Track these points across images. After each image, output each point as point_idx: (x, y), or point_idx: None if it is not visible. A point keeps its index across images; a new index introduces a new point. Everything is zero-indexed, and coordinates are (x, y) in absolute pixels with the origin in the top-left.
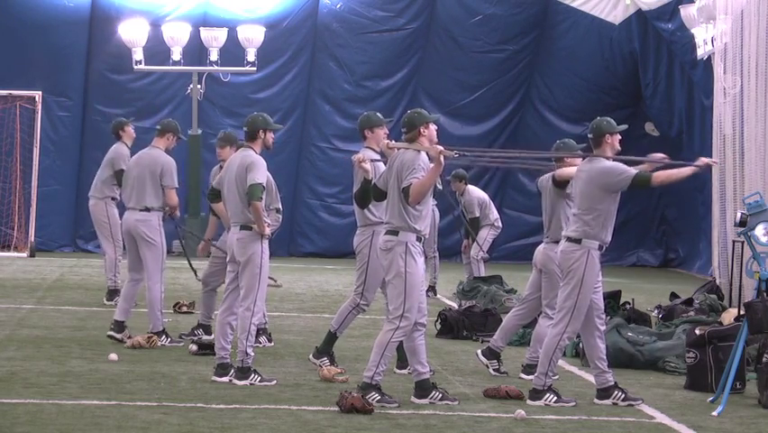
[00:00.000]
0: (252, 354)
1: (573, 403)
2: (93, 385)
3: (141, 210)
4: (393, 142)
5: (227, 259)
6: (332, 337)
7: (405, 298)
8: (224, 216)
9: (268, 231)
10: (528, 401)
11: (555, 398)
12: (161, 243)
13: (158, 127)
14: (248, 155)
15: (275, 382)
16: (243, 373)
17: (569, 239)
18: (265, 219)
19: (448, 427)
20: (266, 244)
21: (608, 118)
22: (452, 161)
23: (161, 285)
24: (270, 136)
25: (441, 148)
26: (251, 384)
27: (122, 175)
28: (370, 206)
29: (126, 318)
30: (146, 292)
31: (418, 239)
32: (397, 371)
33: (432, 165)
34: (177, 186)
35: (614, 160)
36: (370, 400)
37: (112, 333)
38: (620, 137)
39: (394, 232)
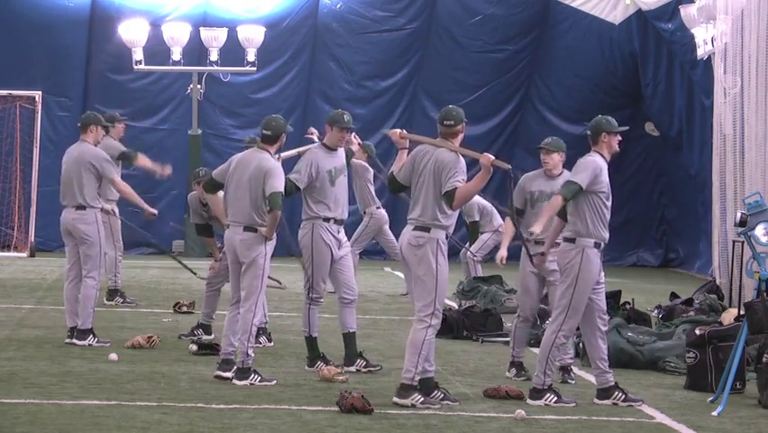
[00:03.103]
0: (253, 354)
1: (573, 404)
2: (93, 385)
3: (76, 209)
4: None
5: (229, 260)
6: (311, 341)
7: (436, 295)
8: (220, 209)
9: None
10: (528, 401)
11: (556, 398)
12: (99, 239)
13: (78, 124)
14: (266, 159)
15: (275, 381)
16: (243, 373)
17: (565, 239)
18: (276, 217)
19: (448, 427)
20: (269, 245)
21: (610, 118)
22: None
23: (98, 283)
24: (284, 138)
25: (492, 157)
26: (250, 384)
27: (127, 156)
28: (309, 200)
29: (91, 325)
30: (81, 288)
31: (446, 236)
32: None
33: (480, 172)
34: (115, 174)
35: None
36: (412, 402)
37: (73, 340)
38: (620, 138)
39: (425, 228)
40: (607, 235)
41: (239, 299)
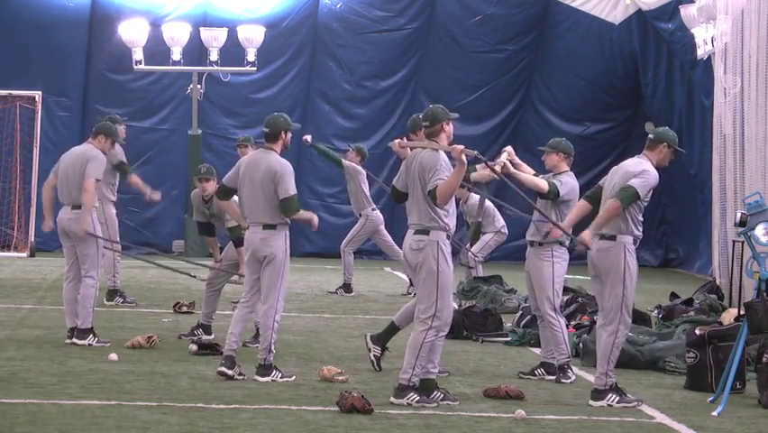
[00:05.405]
0: (275, 351)
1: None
2: (93, 385)
3: (73, 208)
4: (405, 141)
5: (246, 259)
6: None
7: (437, 297)
8: (237, 213)
9: (315, 220)
10: (590, 402)
11: (618, 398)
12: (96, 238)
13: (93, 129)
14: (275, 159)
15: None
16: (266, 369)
17: (602, 237)
18: (302, 215)
19: (448, 427)
20: (288, 241)
21: (674, 133)
22: (471, 159)
23: (97, 282)
24: (290, 136)
25: (461, 147)
26: (272, 381)
27: (122, 168)
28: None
29: (91, 324)
30: (80, 288)
31: (447, 237)
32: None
33: (455, 165)
34: (97, 178)
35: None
36: (408, 401)
37: (75, 340)
38: (672, 158)
39: (425, 231)
40: (641, 234)
41: (249, 298)
